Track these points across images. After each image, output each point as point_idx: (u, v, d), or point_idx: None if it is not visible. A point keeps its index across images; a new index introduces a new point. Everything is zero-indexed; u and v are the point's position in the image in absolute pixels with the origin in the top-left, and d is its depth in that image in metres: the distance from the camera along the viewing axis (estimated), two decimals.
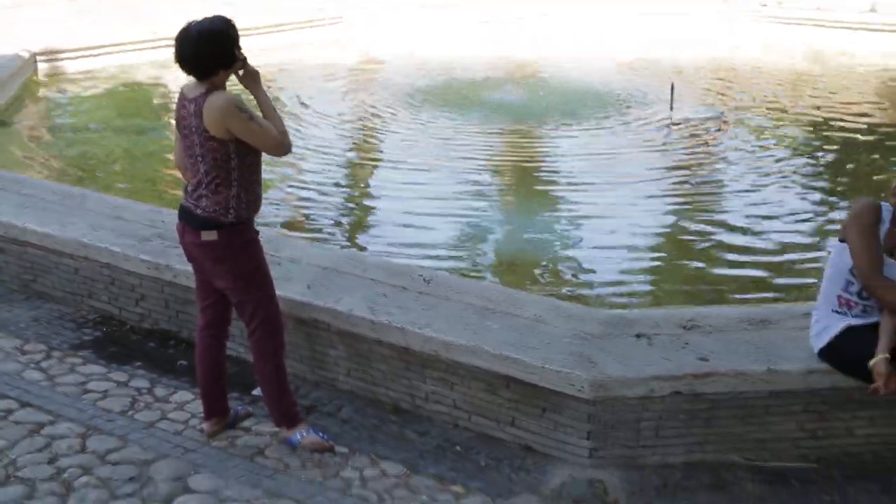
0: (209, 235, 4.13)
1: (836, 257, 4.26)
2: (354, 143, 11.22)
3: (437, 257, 7.16)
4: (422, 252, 7.27)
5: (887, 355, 4.00)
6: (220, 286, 4.28)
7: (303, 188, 9.19)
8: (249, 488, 4.04)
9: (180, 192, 4.36)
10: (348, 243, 7.60)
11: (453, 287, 5.06)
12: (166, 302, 5.48)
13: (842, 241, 4.24)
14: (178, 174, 4.43)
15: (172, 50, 4.13)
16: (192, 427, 4.52)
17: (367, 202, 8.97)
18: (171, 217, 5.52)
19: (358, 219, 8.46)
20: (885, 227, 4.15)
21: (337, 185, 9.48)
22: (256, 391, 4.73)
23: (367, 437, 4.52)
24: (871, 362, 3.99)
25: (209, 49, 4.02)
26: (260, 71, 4.24)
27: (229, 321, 4.52)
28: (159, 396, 4.81)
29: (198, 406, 4.58)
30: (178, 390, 4.87)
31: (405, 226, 8.03)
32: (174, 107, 4.28)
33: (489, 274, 6.97)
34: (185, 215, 4.23)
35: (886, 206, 4.19)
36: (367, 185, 9.58)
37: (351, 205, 8.85)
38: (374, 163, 10.50)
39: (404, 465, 4.27)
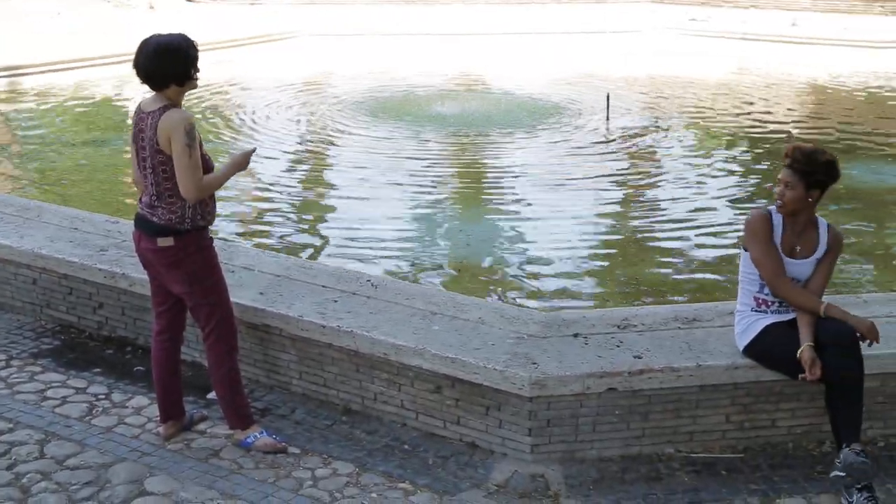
0: (165, 241, 4.09)
1: (745, 264, 4.35)
2: (307, 154, 11.17)
3: (385, 264, 7.14)
4: (371, 259, 7.25)
5: (811, 343, 4.08)
6: (176, 291, 4.23)
7: (256, 199, 9.12)
8: (205, 489, 3.98)
9: (135, 202, 4.30)
10: (300, 251, 7.54)
11: (400, 292, 5.05)
12: (123, 309, 5.39)
13: (745, 248, 4.33)
14: (135, 186, 4.36)
15: (131, 65, 4.11)
16: (148, 431, 4.45)
17: (318, 212, 8.91)
18: (127, 227, 5.46)
19: (310, 228, 8.39)
20: (778, 232, 4.25)
21: (289, 195, 9.42)
22: (211, 395, 4.67)
23: (319, 437, 4.48)
24: (799, 352, 4.06)
25: (164, 62, 4.00)
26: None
27: (184, 326, 4.46)
28: (117, 402, 4.73)
29: (154, 410, 4.51)
30: (134, 395, 4.80)
31: (355, 233, 8.01)
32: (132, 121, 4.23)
33: (435, 279, 6.96)
34: (141, 223, 4.18)
35: (776, 211, 4.29)
36: (319, 196, 9.52)
37: (303, 214, 8.79)
38: (326, 173, 10.45)
39: (355, 464, 4.23)
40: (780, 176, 4.21)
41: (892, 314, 4.67)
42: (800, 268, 4.27)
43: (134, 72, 4.07)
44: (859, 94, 15.39)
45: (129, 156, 4.36)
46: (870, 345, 4.07)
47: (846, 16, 21.42)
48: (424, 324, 4.64)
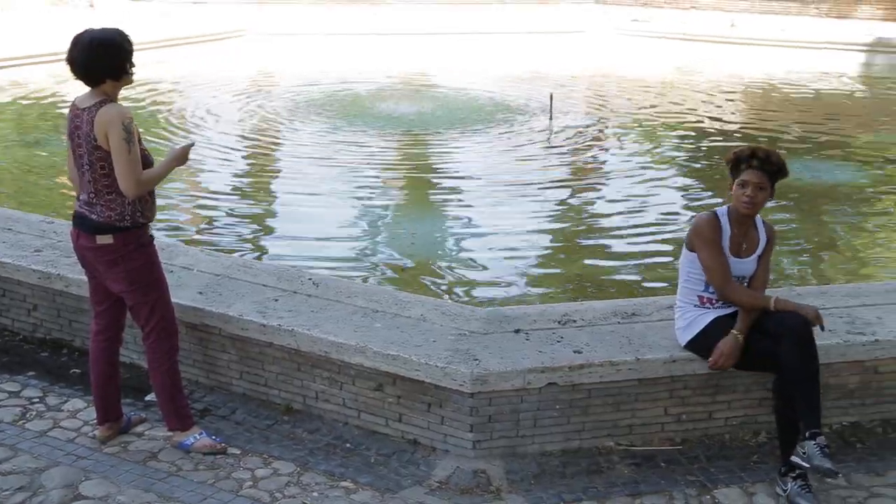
0: (104, 239, 4.01)
1: (689, 265, 4.35)
2: (251, 153, 11.05)
3: (328, 263, 7.08)
4: (313, 257, 7.19)
5: (737, 333, 4.14)
6: (116, 289, 4.14)
7: (199, 198, 9.01)
8: (142, 492, 3.91)
9: (73, 202, 4.20)
10: (242, 251, 7.45)
11: (342, 290, 5.01)
12: (59, 311, 5.27)
13: (690, 250, 4.34)
14: (71, 184, 4.26)
15: (66, 60, 4.01)
16: (84, 434, 4.35)
17: (261, 211, 8.82)
18: (63, 227, 5.35)
19: (252, 228, 8.29)
20: (726, 233, 4.26)
21: (233, 194, 9.31)
22: (150, 397, 4.60)
23: (259, 437, 4.42)
24: (723, 340, 4.15)
25: (99, 57, 3.93)
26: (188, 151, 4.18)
27: (123, 327, 4.38)
28: (51, 405, 4.62)
29: (90, 414, 4.43)
30: (70, 398, 4.69)
31: (298, 232, 7.94)
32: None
33: (378, 278, 6.93)
34: (80, 221, 4.08)
35: (722, 212, 4.30)
36: (263, 194, 9.42)
37: (246, 213, 8.69)
38: (269, 172, 10.35)
39: (296, 464, 4.19)
40: (747, 178, 4.13)
41: (824, 306, 4.73)
42: (747, 266, 4.30)
43: (69, 67, 3.98)
44: (795, 93, 15.67)
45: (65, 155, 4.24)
46: (822, 329, 4.12)
47: (782, 17, 21.83)
48: (366, 321, 4.61)
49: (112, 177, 3.95)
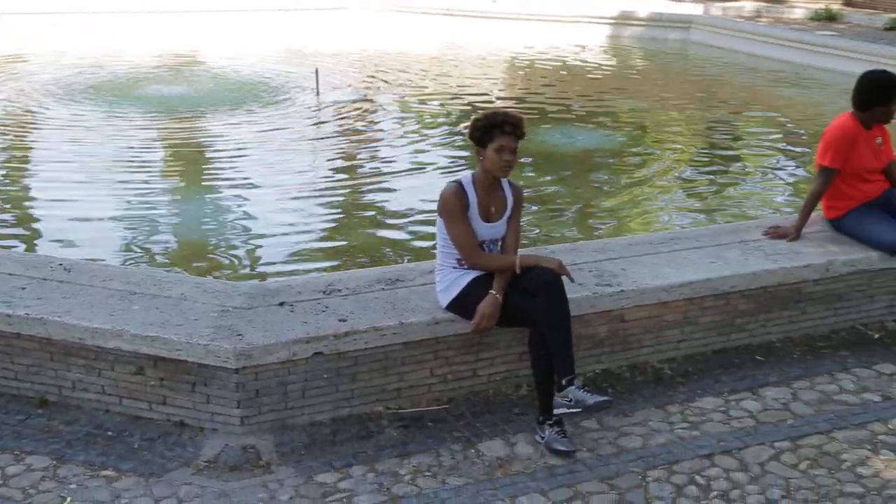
0: None
1: (443, 231, 4.44)
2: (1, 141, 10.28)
3: (85, 249, 6.71)
4: (67, 245, 6.80)
5: (495, 293, 4.28)
6: None
7: None
8: None
9: None
10: None
11: (96, 274, 4.76)
12: None
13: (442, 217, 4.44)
14: None
15: None
16: None
17: (12, 200, 8.22)
18: None
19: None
20: (474, 200, 4.37)
21: None
22: None
23: (10, 434, 4.14)
24: (483, 302, 4.27)
25: None
26: None
27: None
28: None
29: None
30: None
31: (50, 220, 7.47)
32: None
33: (140, 260, 6.64)
34: None
35: (467, 180, 4.40)
36: (10, 182, 8.78)
37: None
38: (18, 158, 9.65)
39: (51, 457, 3.96)
40: (504, 143, 4.23)
41: (574, 262, 5.00)
42: (497, 229, 4.44)
43: None
44: (553, 65, 16.35)
45: None
46: (572, 280, 4.33)
47: None
48: (123, 304, 4.41)
49: None
